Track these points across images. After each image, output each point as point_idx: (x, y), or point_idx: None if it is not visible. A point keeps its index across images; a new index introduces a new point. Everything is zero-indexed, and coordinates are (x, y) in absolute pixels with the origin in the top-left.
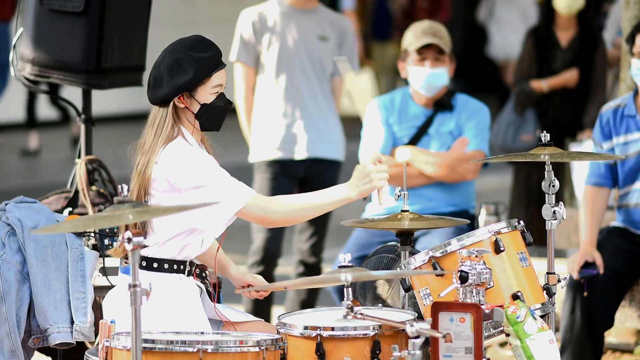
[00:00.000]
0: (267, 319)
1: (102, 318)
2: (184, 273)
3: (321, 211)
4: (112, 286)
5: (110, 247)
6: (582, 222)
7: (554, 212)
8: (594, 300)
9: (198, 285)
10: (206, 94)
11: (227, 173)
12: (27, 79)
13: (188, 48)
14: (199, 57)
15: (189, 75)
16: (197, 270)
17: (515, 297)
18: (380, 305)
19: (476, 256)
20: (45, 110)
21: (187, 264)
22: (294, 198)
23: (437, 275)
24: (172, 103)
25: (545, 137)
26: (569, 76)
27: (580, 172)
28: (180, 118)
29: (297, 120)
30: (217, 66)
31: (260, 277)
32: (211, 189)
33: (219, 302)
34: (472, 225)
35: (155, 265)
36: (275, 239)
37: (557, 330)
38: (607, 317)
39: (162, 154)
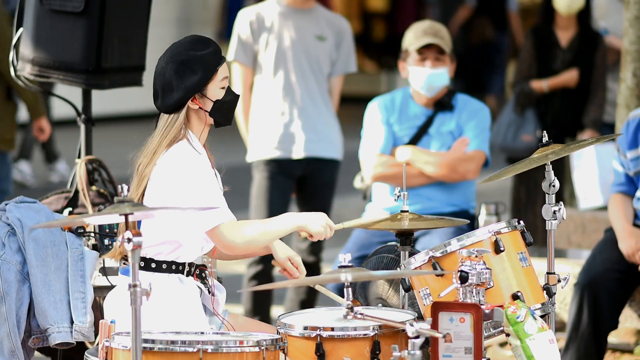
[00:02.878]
0: (267, 319)
1: (102, 318)
2: (182, 273)
3: (275, 238)
4: (112, 286)
5: (110, 247)
6: (616, 221)
7: (554, 212)
8: (600, 301)
9: (198, 286)
10: (216, 89)
11: (219, 191)
12: (27, 78)
13: (189, 49)
14: (203, 55)
15: (199, 75)
16: (197, 271)
17: (515, 297)
18: (380, 305)
19: (476, 256)
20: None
21: (187, 264)
22: (254, 225)
23: (437, 275)
24: (186, 107)
25: (545, 137)
26: (569, 76)
27: (581, 173)
28: (190, 121)
29: (295, 120)
30: (221, 60)
31: (299, 258)
32: (196, 200)
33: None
34: (472, 225)
35: (153, 265)
36: None
37: (557, 330)
38: (612, 319)
39: (163, 156)
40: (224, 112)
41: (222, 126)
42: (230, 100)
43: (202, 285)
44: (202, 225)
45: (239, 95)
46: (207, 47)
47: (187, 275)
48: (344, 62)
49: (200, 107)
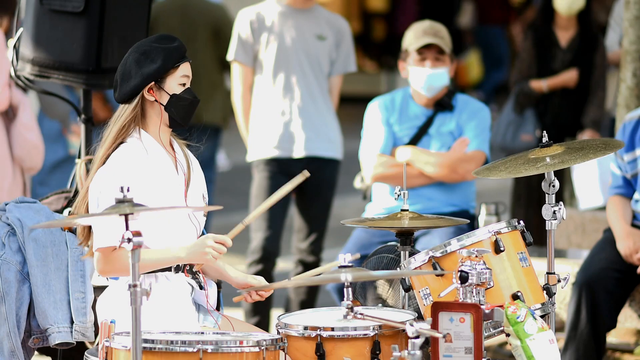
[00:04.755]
0: (267, 319)
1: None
2: (170, 270)
3: (153, 268)
4: None
5: None
6: (615, 223)
7: (554, 212)
8: (598, 300)
9: (189, 283)
10: (174, 84)
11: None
12: (27, 78)
13: (153, 41)
14: (166, 47)
15: (157, 64)
16: (187, 267)
17: (515, 297)
18: (380, 305)
19: (476, 256)
20: None
21: None
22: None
23: (437, 275)
24: (140, 96)
25: (545, 137)
26: (568, 76)
27: (581, 172)
28: (146, 115)
29: (295, 119)
30: (183, 57)
31: (261, 278)
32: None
33: (219, 303)
34: (472, 225)
35: None
36: (274, 238)
37: (557, 329)
38: (611, 318)
39: (111, 156)
40: (180, 110)
41: (176, 127)
42: (188, 99)
43: (193, 282)
44: (94, 244)
45: (199, 100)
46: (171, 42)
47: (176, 272)
48: (344, 62)
49: (155, 100)
